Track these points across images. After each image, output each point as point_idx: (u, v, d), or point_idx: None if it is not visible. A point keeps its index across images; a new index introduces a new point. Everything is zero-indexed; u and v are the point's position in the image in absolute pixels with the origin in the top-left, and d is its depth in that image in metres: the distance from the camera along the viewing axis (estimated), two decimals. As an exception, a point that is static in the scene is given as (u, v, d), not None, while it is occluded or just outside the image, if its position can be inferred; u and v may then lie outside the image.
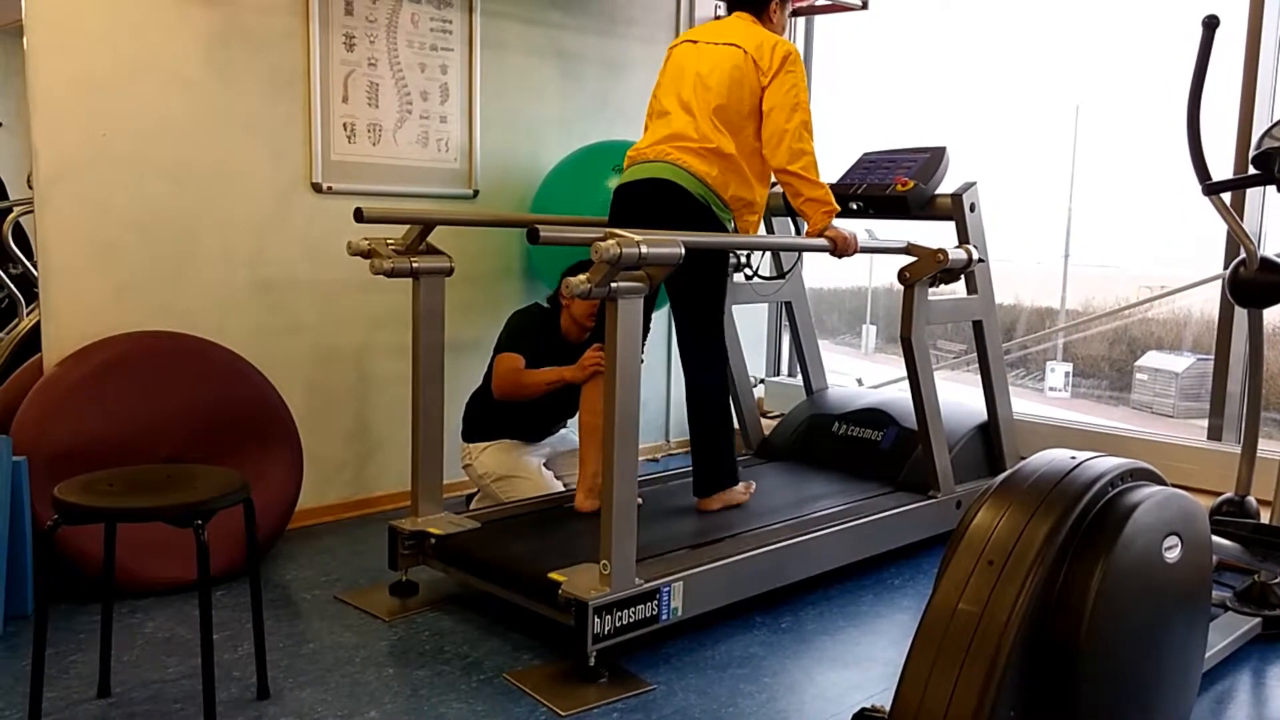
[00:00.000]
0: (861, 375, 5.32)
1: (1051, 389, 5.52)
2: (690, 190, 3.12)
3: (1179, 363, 5.20)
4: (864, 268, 6.33)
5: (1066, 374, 5.53)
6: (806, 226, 3.22)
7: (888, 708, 2.12)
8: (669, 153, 3.15)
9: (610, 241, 2.45)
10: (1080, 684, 1.83)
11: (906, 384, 3.62)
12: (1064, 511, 1.90)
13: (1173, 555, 1.98)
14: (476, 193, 4.23)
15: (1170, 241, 5.03)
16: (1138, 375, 5.43)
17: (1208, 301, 4.42)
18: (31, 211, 3.26)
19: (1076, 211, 5.56)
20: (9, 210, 3.68)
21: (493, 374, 3.63)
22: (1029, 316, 5.90)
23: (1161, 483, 2.08)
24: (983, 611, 1.82)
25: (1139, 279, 5.27)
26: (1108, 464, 2.04)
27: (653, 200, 3.14)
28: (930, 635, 1.86)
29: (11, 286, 3.74)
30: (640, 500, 3.47)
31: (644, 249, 2.48)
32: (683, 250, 2.58)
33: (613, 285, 2.52)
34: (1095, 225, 5.52)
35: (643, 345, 3.58)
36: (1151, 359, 5.36)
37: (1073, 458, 2.06)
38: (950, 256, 3.39)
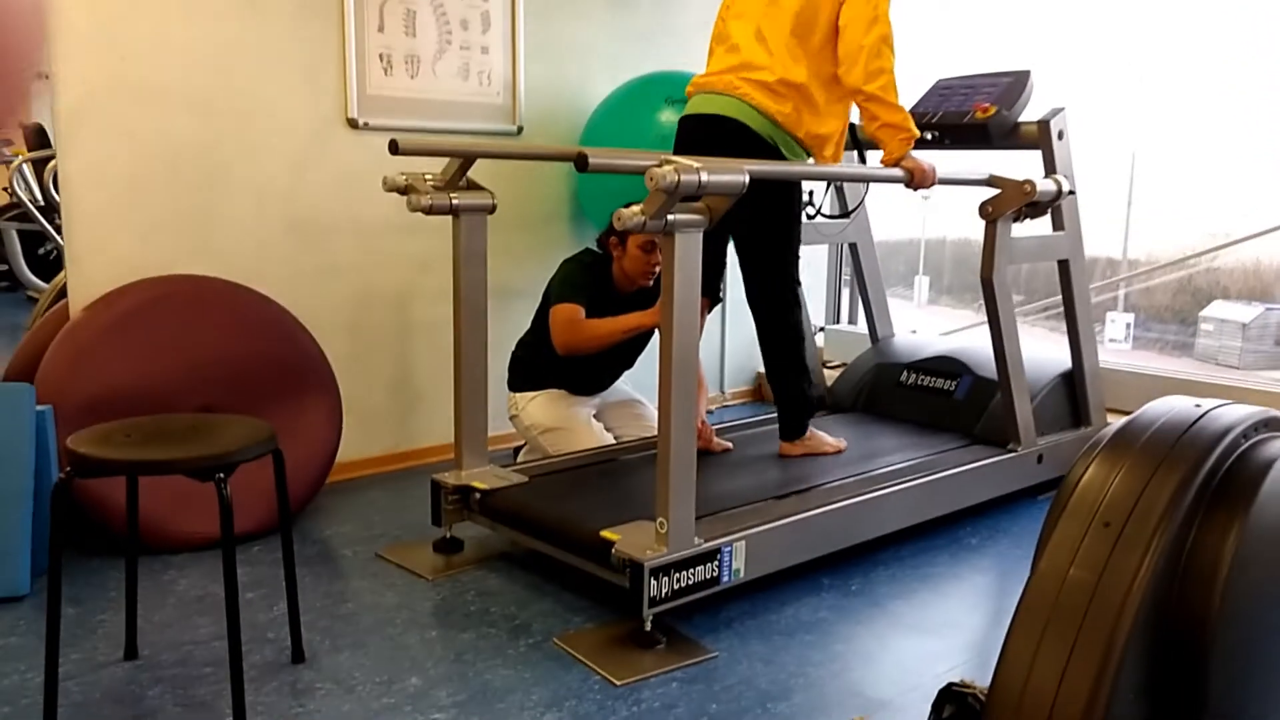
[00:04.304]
0: (915, 326, 5.12)
1: (1112, 340, 5.37)
2: (758, 130, 2.89)
3: (1246, 312, 5.02)
4: (917, 218, 6.22)
5: (1128, 325, 5.36)
6: (881, 155, 2.95)
7: (978, 683, 1.92)
8: (737, 85, 2.92)
9: (667, 168, 2.21)
10: (1211, 660, 1.60)
11: (970, 334, 3.35)
12: (1192, 466, 1.66)
13: (1320, 516, 1.73)
14: (521, 129, 4.00)
15: (1237, 188, 4.72)
16: (1203, 325, 5.26)
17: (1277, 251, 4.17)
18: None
19: (1140, 158, 5.28)
20: (51, 158, 3.52)
21: (552, 328, 3.36)
22: (1089, 266, 5.66)
23: (1303, 433, 1.83)
24: (1099, 579, 1.60)
25: (1205, 227, 5.07)
26: (1239, 412, 1.79)
27: (716, 139, 2.92)
28: (1036, 606, 1.63)
29: (57, 238, 3.58)
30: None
31: (704, 176, 2.24)
32: (746, 179, 2.34)
33: (669, 218, 2.29)
34: (1161, 172, 5.22)
35: (720, 281, 3.36)
36: (1217, 309, 5.18)
37: (1197, 405, 1.82)
38: (1038, 188, 3.10)
